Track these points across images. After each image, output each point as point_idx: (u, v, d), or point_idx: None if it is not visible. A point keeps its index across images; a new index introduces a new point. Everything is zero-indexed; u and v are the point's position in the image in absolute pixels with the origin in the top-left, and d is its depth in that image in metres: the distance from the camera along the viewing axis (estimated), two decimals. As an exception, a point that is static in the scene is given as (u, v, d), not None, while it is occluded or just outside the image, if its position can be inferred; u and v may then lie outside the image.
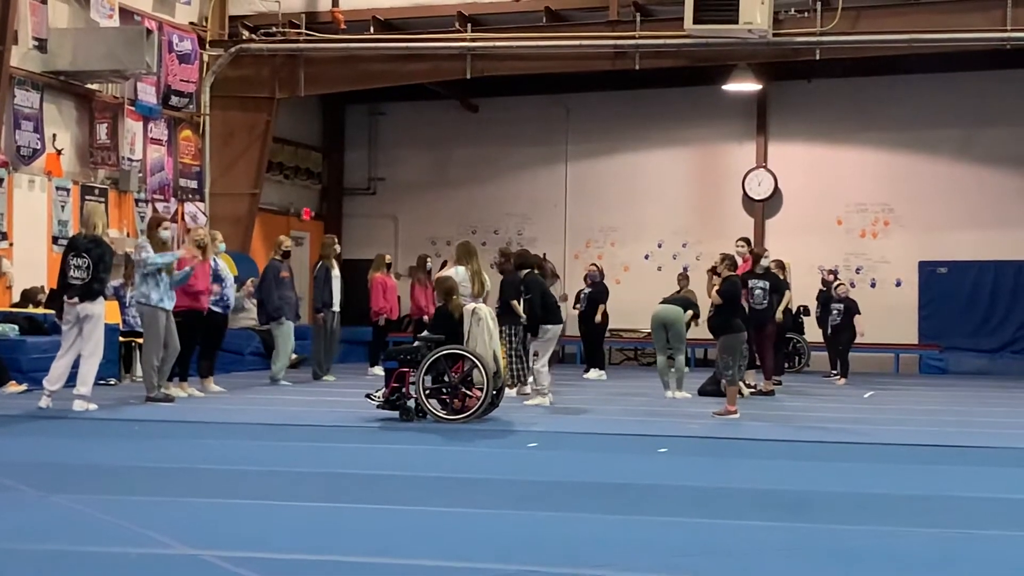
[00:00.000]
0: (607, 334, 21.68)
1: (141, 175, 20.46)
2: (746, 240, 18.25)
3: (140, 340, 16.86)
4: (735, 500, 8.55)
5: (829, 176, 24.51)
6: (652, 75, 22.72)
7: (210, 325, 16.03)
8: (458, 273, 15.38)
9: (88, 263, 13.37)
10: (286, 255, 18.25)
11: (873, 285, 24.34)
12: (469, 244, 16.34)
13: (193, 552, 6.58)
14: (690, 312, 16.97)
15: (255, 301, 20.80)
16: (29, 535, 7.04)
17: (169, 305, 14.44)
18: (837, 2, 19.74)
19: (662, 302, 16.94)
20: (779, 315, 17.47)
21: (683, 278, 21.62)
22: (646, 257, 25.43)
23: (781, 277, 17.99)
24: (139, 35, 18.72)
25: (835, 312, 20.01)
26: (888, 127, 24.24)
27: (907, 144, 24.21)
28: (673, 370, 16.39)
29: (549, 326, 15.22)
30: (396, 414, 13.01)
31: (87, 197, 19.10)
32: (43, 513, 7.73)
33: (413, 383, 13.01)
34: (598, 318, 20.50)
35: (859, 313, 19.88)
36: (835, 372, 20.09)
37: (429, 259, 21.54)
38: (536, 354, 15.26)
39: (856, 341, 20.20)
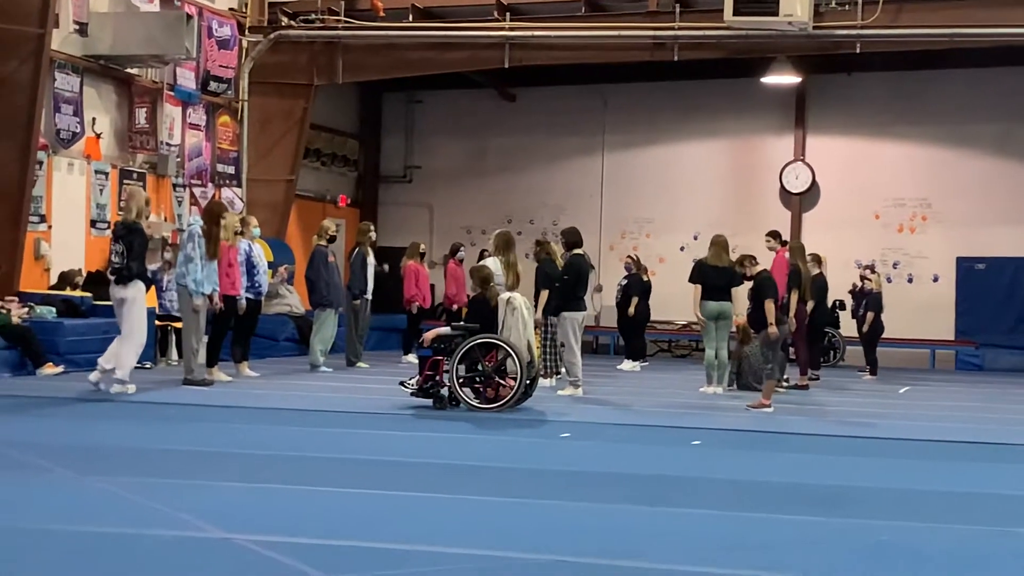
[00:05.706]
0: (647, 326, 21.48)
1: (179, 160, 20.56)
2: (774, 234, 18.09)
3: (177, 324, 16.99)
4: (768, 493, 8.53)
5: (867, 170, 24.36)
6: (690, 67, 22.64)
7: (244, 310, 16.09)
8: (492, 264, 15.38)
9: (122, 249, 13.54)
10: (331, 240, 18.25)
11: (910, 280, 24.20)
12: (507, 234, 16.30)
13: (226, 536, 6.62)
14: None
15: (289, 288, 20.90)
16: (65, 516, 7.10)
17: (208, 288, 14.52)
18: (879, -5, 19.62)
19: (706, 263, 16.13)
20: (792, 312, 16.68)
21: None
22: (681, 249, 25.25)
23: (816, 271, 17.76)
24: (179, 20, 18.81)
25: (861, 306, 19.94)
26: (927, 121, 24.06)
27: (946, 139, 24.03)
28: (717, 362, 16.11)
29: (568, 313, 15.06)
30: (429, 402, 13.04)
31: (125, 181, 19.20)
32: (79, 495, 7.79)
33: (447, 371, 13.04)
34: (630, 311, 20.45)
35: (881, 310, 19.68)
36: (868, 367, 19.96)
37: (462, 247, 21.55)
38: (562, 344, 15.18)
39: (883, 336, 19.99)
